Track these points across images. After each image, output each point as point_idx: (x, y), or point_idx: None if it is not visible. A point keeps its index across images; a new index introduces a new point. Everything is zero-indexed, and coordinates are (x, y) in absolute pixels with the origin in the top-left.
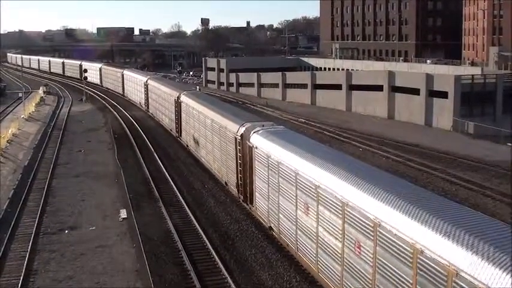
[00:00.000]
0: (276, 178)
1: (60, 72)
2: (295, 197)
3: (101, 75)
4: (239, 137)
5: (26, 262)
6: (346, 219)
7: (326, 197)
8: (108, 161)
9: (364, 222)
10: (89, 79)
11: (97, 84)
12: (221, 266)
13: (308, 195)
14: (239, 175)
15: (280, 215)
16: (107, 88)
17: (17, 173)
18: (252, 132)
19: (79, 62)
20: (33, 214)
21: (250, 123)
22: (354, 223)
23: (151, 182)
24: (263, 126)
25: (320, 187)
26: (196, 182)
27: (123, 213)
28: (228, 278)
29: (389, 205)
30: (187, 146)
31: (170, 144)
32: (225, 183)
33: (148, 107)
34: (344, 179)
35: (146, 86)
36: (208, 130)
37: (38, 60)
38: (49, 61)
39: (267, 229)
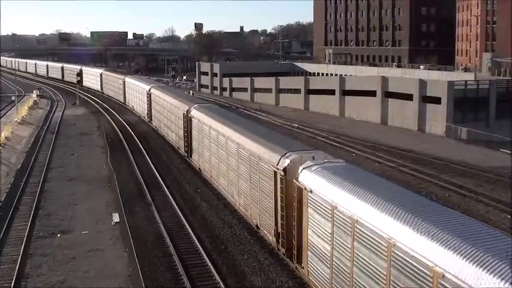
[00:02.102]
0: (349, 241)
1: (59, 77)
2: (388, 277)
3: (101, 81)
4: (281, 172)
5: (17, 266)
6: None
7: None
8: (100, 168)
9: None
10: (89, 85)
11: (98, 91)
12: None
13: (415, 281)
14: (280, 221)
15: None
16: (108, 96)
17: (10, 177)
18: (302, 168)
19: (79, 67)
20: (25, 218)
21: (297, 154)
22: None
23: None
24: (313, 158)
25: (446, 277)
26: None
27: (116, 217)
28: None
29: None
30: (199, 170)
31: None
32: (257, 226)
33: (151, 119)
34: (492, 272)
35: (149, 95)
36: (231, 156)
37: (35, 64)
38: (47, 65)
39: None
